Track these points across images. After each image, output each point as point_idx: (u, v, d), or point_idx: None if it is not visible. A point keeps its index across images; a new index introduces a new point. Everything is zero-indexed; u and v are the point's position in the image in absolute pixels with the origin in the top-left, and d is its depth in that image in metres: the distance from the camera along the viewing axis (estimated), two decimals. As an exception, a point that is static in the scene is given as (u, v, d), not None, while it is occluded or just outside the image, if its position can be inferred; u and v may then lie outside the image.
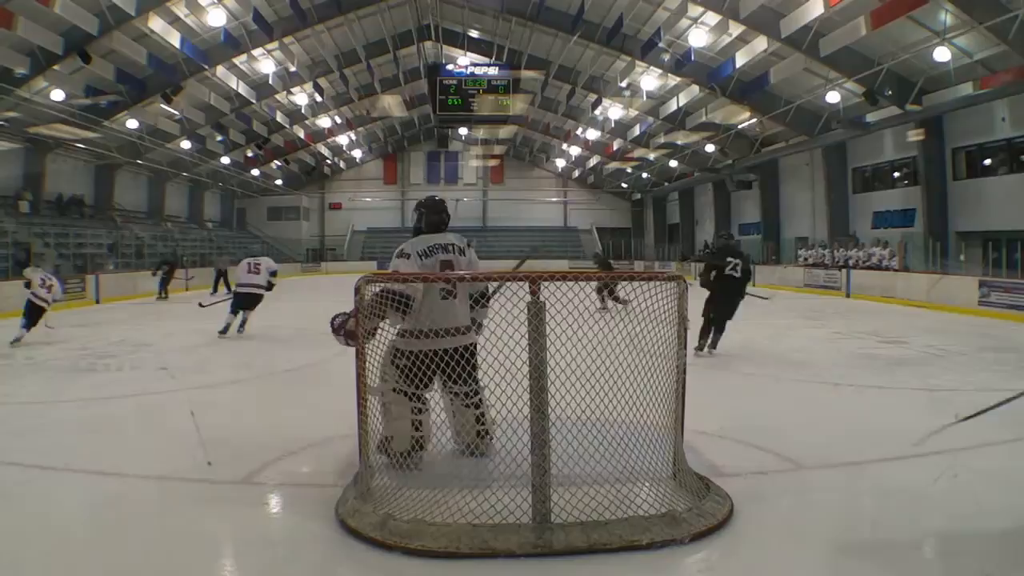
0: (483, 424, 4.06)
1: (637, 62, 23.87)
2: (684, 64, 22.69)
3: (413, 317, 3.90)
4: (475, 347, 4.03)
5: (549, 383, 3.23)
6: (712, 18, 20.01)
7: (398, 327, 4.01)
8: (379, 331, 3.83)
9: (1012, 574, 2.87)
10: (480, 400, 4.03)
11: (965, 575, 2.87)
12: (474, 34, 27.57)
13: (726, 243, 9.21)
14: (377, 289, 3.75)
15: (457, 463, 3.83)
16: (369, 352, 3.66)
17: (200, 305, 12.30)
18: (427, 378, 3.84)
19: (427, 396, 4.02)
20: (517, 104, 25.30)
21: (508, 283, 3.63)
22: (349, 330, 3.87)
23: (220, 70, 23.93)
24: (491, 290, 4.28)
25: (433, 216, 4.26)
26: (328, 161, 41.02)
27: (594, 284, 8.66)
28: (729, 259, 8.52)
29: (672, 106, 26.09)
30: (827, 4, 16.01)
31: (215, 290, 20.18)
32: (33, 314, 9.80)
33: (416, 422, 3.91)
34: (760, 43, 19.41)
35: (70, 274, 17.58)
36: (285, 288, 20.06)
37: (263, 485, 3.97)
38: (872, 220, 22.72)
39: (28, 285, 9.97)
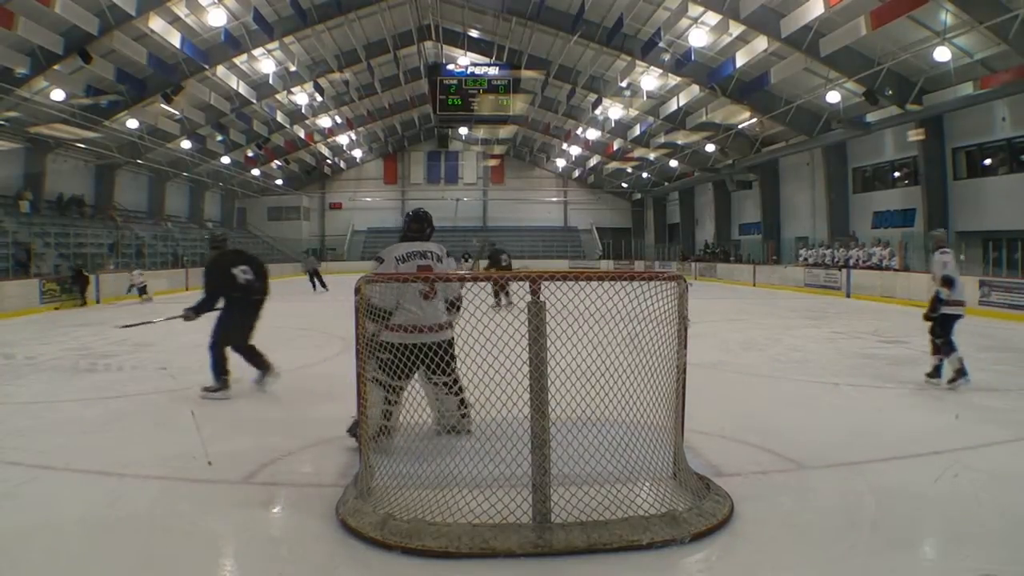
0: (464, 407, 4.52)
1: (637, 62, 23.88)
2: (684, 64, 22.69)
3: (397, 313, 4.37)
4: (453, 342, 4.48)
5: (549, 383, 3.24)
6: (712, 18, 20.01)
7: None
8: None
9: (1013, 574, 2.87)
10: (460, 387, 4.46)
11: (965, 575, 2.87)
12: (474, 34, 27.56)
13: (495, 248, 15.73)
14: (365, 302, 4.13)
15: (457, 463, 3.83)
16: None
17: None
18: (407, 370, 4.18)
19: (402, 387, 4.26)
20: (517, 104, 25.33)
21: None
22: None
23: (220, 70, 23.94)
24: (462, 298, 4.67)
25: (414, 225, 4.80)
26: (328, 161, 41.04)
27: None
28: (502, 257, 14.84)
29: (672, 106, 26.10)
30: (827, 4, 16.00)
31: (314, 287, 21.99)
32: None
33: (387, 412, 4.22)
34: (760, 43, 19.41)
35: (69, 274, 17.56)
36: (285, 288, 20.08)
37: (263, 485, 3.97)
38: (872, 220, 22.72)
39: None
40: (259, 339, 6.72)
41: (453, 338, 4.48)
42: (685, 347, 3.66)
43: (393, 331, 4.33)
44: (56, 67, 19.14)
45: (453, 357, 4.44)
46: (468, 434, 4.40)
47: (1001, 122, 17.47)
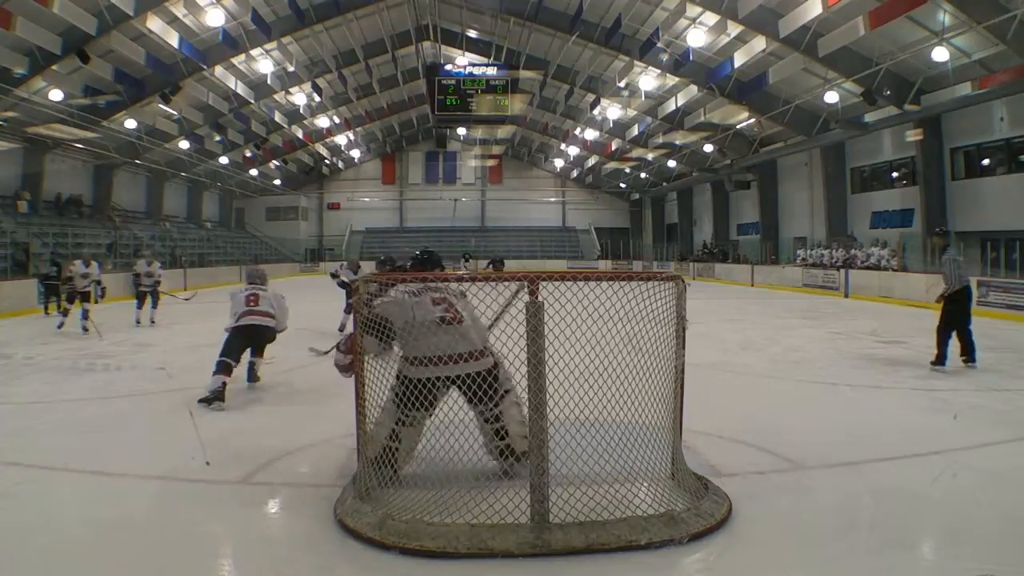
0: (505, 440, 3.87)
1: (635, 62, 23.87)
2: (682, 64, 22.70)
3: (409, 344, 3.83)
4: (491, 370, 3.87)
5: (547, 383, 3.24)
6: (711, 18, 20.03)
7: (402, 353, 3.92)
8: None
9: (1012, 574, 2.88)
10: (499, 414, 3.87)
11: (963, 575, 2.88)
12: (472, 34, 27.57)
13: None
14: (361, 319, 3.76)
15: (455, 463, 3.83)
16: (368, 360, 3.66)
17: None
18: (423, 406, 3.72)
19: (421, 419, 3.87)
20: (515, 104, 25.29)
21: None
22: (342, 352, 3.97)
23: (218, 70, 23.92)
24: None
25: (429, 266, 4.60)
26: (326, 161, 41.00)
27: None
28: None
29: (670, 106, 26.10)
30: (825, 4, 16.00)
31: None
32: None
33: (394, 432, 3.79)
34: (759, 43, 19.42)
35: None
36: (284, 289, 20.07)
37: (262, 485, 3.98)
38: (870, 220, 22.74)
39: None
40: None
41: (491, 366, 3.87)
42: (683, 347, 3.66)
43: (410, 364, 3.82)
44: (54, 67, 19.13)
45: (492, 386, 3.82)
46: (511, 477, 3.75)
47: (999, 122, 17.50)
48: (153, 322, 12.32)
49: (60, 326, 11.45)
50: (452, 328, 3.86)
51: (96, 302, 11.92)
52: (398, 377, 3.86)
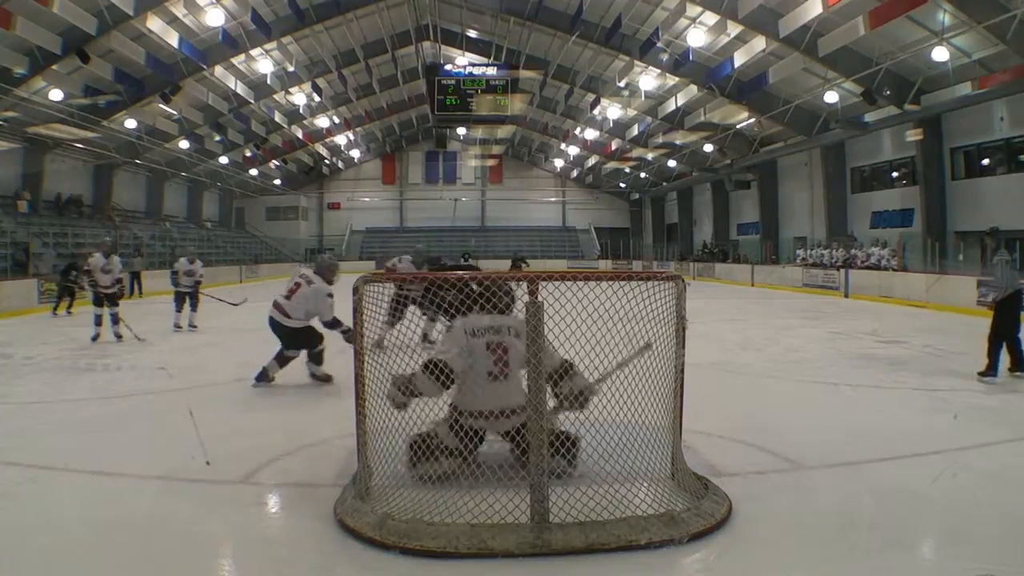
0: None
1: (635, 62, 23.90)
2: (682, 64, 22.71)
3: (459, 393, 3.89)
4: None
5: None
6: (711, 18, 20.03)
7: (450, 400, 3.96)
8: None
9: (1012, 574, 2.88)
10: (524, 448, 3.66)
11: (963, 575, 2.88)
12: (472, 34, 27.57)
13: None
14: (420, 363, 3.76)
15: (454, 463, 3.83)
16: (369, 357, 3.65)
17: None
18: (467, 449, 3.75)
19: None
20: (515, 104, 25.28)
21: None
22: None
23: (218, 70, 23.94)
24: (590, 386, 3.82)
25: (505, 298, 4.00)
26: (326, 161, 41.01)
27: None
28: None
29: (670, 106, 26.10)
30: (825, 4, 16.01)
31: (131, 292, 18.20)
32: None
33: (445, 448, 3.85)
34: (759, 43, 19.43)
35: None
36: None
37: (262, 485, 3.98)
38: (871, 220, 22.74)
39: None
40: (257, 339, 6.75)
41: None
42: (683, 347, 3.66)
43: (459, 412, 3.88)
44: (54, 67, 19.13)
45: (522, 439, 3.65)
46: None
47: (999, 122, 17.49)
48: (194, 326, 11.30)
49: (95, 338, 10.04)
50: (498, 384, 3.85)
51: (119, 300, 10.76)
52: (451, 415, 3.91)
